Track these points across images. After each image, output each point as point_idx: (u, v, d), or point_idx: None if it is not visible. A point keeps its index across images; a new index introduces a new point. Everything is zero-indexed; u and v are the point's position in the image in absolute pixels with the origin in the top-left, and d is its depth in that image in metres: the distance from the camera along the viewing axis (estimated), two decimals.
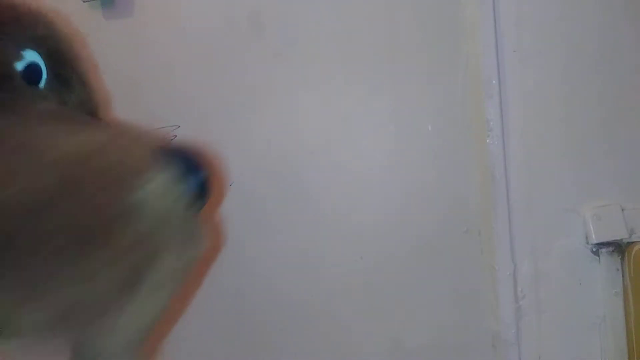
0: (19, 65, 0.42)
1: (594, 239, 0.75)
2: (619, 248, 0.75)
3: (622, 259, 0.76)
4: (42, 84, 0.44)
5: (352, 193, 0.84)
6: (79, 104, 0.47)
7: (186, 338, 0.88)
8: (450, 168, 0.82)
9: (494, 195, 0.78)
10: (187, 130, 0.85)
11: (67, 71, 0.47)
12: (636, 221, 0.76)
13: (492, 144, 0.78)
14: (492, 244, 0.79)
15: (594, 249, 0.77)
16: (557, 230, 0.78)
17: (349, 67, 0.83)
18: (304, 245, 0.85)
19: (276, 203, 0.85)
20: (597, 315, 0.77)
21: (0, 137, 0.35)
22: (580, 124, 0.78)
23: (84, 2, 0.85)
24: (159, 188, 0.35)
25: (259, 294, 0.87)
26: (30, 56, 0.43)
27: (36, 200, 0.32)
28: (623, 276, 0.75)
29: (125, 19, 0.87)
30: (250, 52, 0.85)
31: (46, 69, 0.45)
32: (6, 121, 0.37)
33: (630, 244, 0.75)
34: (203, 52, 0.86)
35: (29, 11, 0.44)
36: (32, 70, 0.43)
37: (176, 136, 0.85)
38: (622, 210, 0.76)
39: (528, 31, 0.78)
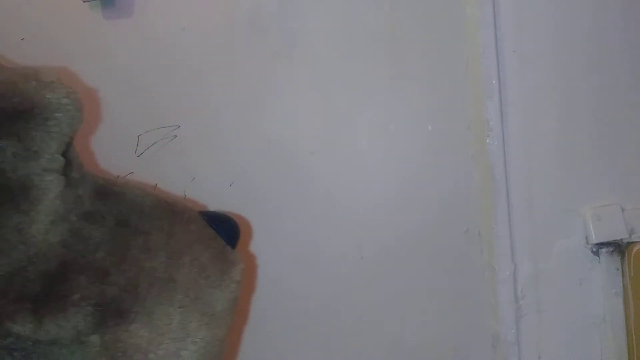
0: None
1: (594, 239, 0.76)
2: (619, 248, 0.76)
3: (622, 259, 0.76)
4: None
5: (351, 193, 0.84)
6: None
7: None
8: (450, 168, 0.82)
9: (494, 195, 0.78)
10: (187, 131, 0.85)
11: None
12: (636, 221, 0.76)
13: (492, 144, 0.78)
14: (492, 244, 0.79)
15: (594, 249, 0.77)
16: (557, 230, 0.78)
17: (348, 67, 0.83)
18: (303, 245, 0.85)
19: (276, 203, 0.85)
20: (597, 315, 0.77)
21: None
22: (580, 124, 0.78)
23: (84, 2, 0.85)
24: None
25: (257, 293, 0.86)
26: None
27: None
28: (623, 276, 0.75)
29: (125, 19, 0.87)
30: (250, 52, 0.85)
31: None
32: None
33: (630, 244, 0.75)
34: (203, 52, 0.86)
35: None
36: None
37: (176, 136, 0.85)
38: (622, 210, 0.76)
39: (528, 31, 0.78)
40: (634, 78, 0.77)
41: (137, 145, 0.85)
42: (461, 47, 0.81)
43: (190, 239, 0.51)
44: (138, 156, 0.85)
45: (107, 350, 0.43)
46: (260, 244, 0.86)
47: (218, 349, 0.51)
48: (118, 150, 0.85)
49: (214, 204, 0.86)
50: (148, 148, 0.85)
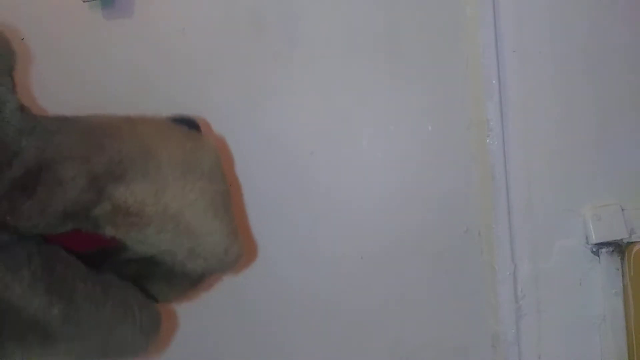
0: None
1: (594, 239, 0.76)
2: (619, 248, 0.76)
3: (622, 259, 0.76)
4: None
5: (351, 193, 0.84)
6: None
7: (188, 334, 0.88)
8: (450, 168, 0.82)
9: (494, 195, 0.78)
10: None
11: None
12: (636, 221, 0.76)
13: (492, 144, 0.78)
14: (492, 244, 0.79)
15: (594, 249, 0.77)
16: (557, 231, 0.78)
17: (348, 67, 0.83)
18: (303, 245, 0.85)
19: (276, 203, 0.85)
20: (597, 315, 0.77)
21: None
22: (580, 124, 0.78)
23: (84, 2, 0.85)
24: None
25: (259, 292, 0.87)
26: None
27: None
28: (623, 276, 0.75)
29: (125, 19, 0.87)
30: (250, 52, 0.85)
31: None
32: None
33: (630, 244, 0.75)
34: (203, 52, 0.86)
35: None
36: None
37: None
38: (622, 210, 0.76)
39: (528, 31, 0.78)
40: (634, 78, 0.77)
41: None
42: (461, 47, 0.81)
43: (155, 129, 0.57)
44: None
45: (118, 210, 0.48)
46: (260, 243, 0.86)
47: (220, 200, 0.56)
48: None
49: None
50: None
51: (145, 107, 0.86)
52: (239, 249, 0.56)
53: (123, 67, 0.87)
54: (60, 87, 0.86)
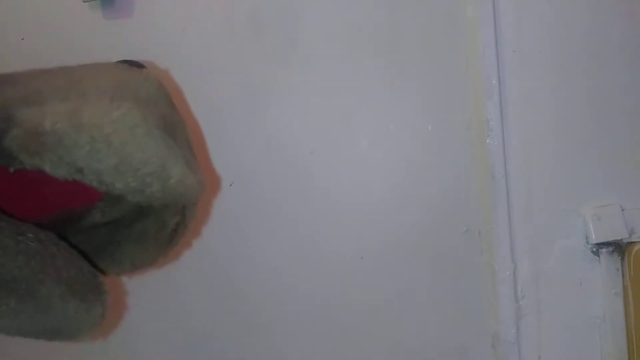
0: None
1: (594, 239, 0.76)
2: (619, 248, 0.76)
3: (622, 259, 0.76)
4: None
5: (351, 193, 0.84)
6: None
7: (185, 334, 0.88)
8: (450, 168, 0.82)
9: (494, 195, 0.78)
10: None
11: None
12: (636, 221, 0.76)
13: (492, 144, 0.78)
14: (492, 244, 0.79)
15: (594, 249, 0.77)
16: (557, 230, 0.78)
17: (348, 67, 0.83)
18: (303, 245, 0.85)
19: (276, 203, 0.85)
20: (597, 315, 0.77)
21: None
22: (580, 123, 0.78)
23: (84, 2, 0.85)
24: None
25: (259, 292, 0.87)
26: None
27: None
28: (623, 276, 0.75)
29: (125, 19, 0.87)
30: (250, 52, 0.85)
31: None
32: None
33: (630, 244, 0.75)
34: (203, 52, 0.86)
35: None
36: None
37: None
38: (622, 210, 0.76)
39: (528, 31, 0.78)
40: (633, 78, 0.77)
41: None
42: (461, 47, 0.81)
43: (92, 66, 0.56)
44: None
45: (30, 134, 0.45)
46: (260, 244, 0.86)
47: (161, 123, 0.52)
48: None
49: (214, 204, 0.86)
50: None
51: None
52: (187, 176, 0.51)
53: None
54: None
